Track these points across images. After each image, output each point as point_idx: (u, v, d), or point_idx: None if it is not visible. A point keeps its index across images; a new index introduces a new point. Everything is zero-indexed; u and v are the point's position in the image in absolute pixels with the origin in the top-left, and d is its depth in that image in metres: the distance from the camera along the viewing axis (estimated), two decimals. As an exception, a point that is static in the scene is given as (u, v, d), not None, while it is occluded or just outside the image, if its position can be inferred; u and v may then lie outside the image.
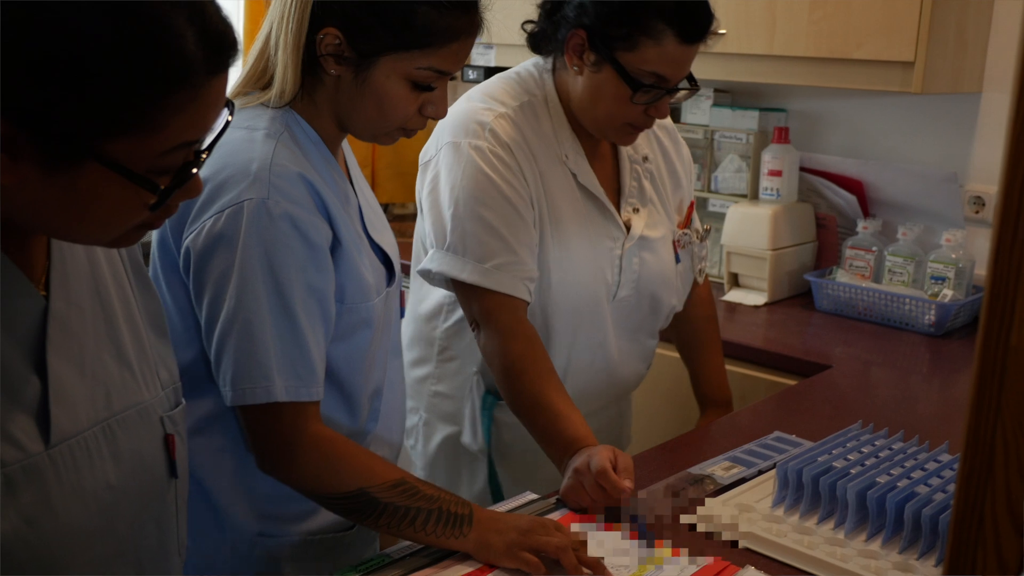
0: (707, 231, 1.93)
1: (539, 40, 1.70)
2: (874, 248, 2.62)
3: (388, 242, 1.47)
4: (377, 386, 1.45)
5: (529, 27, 1.71)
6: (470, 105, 1.68)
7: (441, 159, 1.64)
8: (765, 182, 2.70)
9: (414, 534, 1.29)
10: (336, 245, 1.32)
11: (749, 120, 2.81)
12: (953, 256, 2.48)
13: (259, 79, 1.33)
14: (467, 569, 1.27)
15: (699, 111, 2.90)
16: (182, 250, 1.29)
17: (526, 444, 1.63)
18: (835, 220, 2.79)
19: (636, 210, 1.77)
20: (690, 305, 1.99)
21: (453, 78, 1.37)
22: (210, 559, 1.39)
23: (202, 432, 1.35)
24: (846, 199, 2.74)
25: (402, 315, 1.56)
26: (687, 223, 1.88)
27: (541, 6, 1.69)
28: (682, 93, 1.67)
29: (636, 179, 1.78)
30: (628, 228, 1.76)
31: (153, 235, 1.38)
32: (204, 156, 0.89)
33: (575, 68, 1.63)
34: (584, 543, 1.29)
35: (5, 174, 0.80)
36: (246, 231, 1.23)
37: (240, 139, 1.28)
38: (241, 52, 0.88)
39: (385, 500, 1.27)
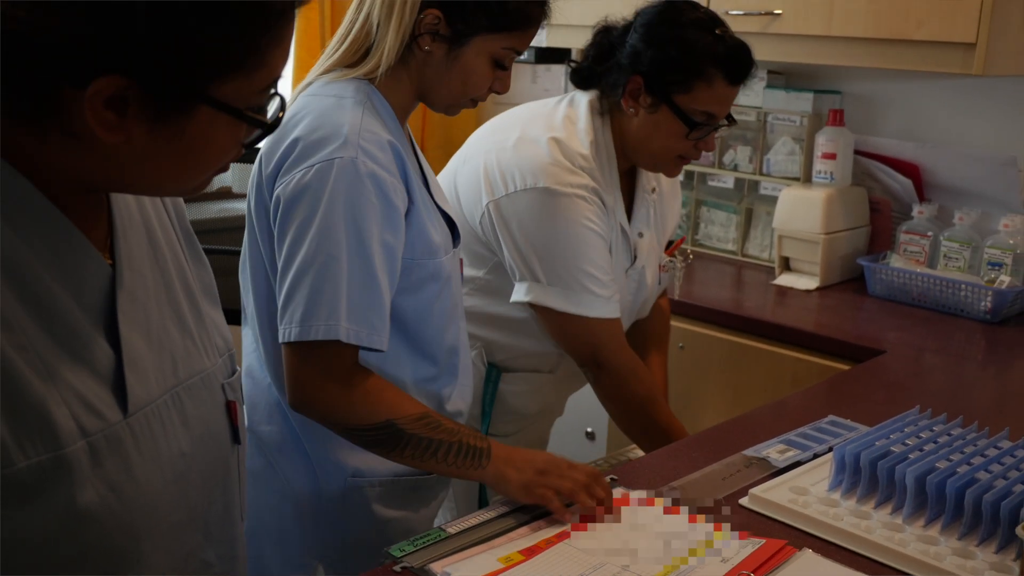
0: (689, 257, 2.13)
1: (585, 78, 1.85)
2: (929, 233, 2.58)
3: (450, 209, 1.57)
4: (453, 343, 1.54)
5: (575, 65, 1.87)
6: (555, 151, 1.77)
7: (540, 200, 1.74)
8: (819, 165, 2.67)
9: (436, 465, 1.38)
10: (410, 206, 1.43)
11: (803, 102, 2.78)
12: (1011, 242, 2.44)
13: (354, 58, 1.45)
14: (518, 546, 1.27)
15: (752, 93, 2.87)
16: (272, 199, 1.40)
17: (521, 409, 1.94)
18: (889, 204, 2.75)
19: (641, 235, 1.92)
20: (654, 310, 2.09)
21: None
22: (305, 504, 1.51)
23: None
24: (901, 183, 2.70)
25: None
26: (673, 252, 2.06)
27: (588, 50, 1.85)
28: (723, 128, 1.85)
29: (645, 207, 1.93)
30: (635, 256, 1.91)
31: (250, 191, 1.46)
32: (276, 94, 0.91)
33: (631, 110, 1.78)
34: (598, 477, 1.38)
35: (113, 133, 0.81)
36: (333, 185, 1.34)
37: (330, 105, 1.40)
38: None
39: (410, 432, 1.36)
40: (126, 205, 0.97)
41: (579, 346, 1.83)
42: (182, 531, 0.97)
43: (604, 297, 1.78)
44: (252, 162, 1.48)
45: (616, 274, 1.85)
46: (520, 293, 1.79)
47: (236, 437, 1.06)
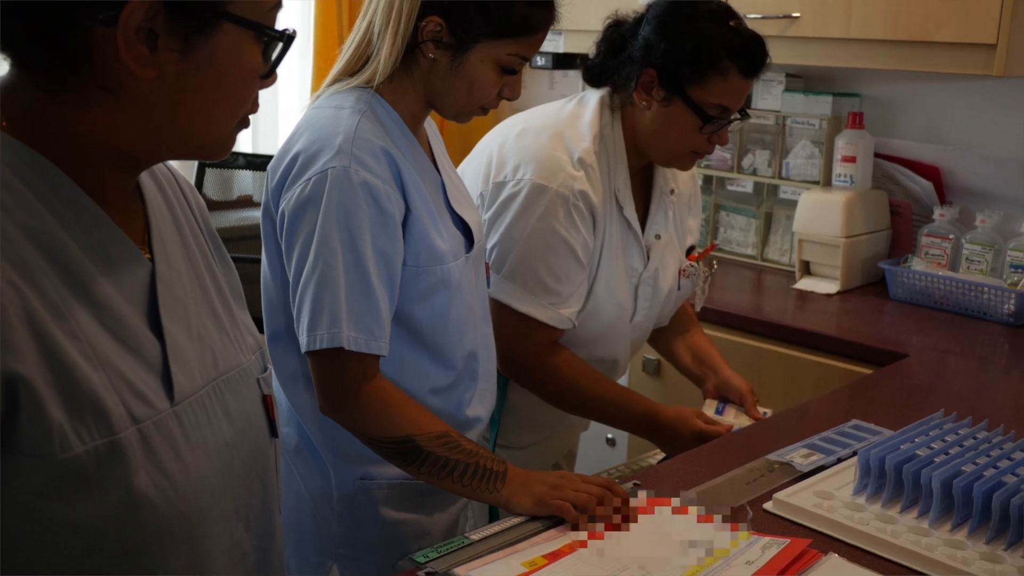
0: (714, 267, 2.09)
1: (597, 74, 1.83)
2: (951, 236, 2.56)
3: (470, 215, 1.56)
4: (472, 348, 1.54)
5: (587, 62, 1.84)
6: (556, 145, 1.76)
7: (524, 193, 1.73)
8: (838, 168, 2.66)
9: (452, 485, 1.39)
10: (408, 214, 1.43)
11: (822, 105, 2.77)
12: (1034, 244, 2.42)
13: (356, 66, 1.46)
14: (541, 551, 1.27)
15: (770, 96, 2.86)
16: (278, 215, 1.42)
17: (535, 419, 1.91)
18: (910, 207, 2.74)
19: (658, 236, 1.90)
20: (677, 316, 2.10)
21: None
22: (319, 505, 1.54)
23: (306, 388, 1.48)
24: (922, 186, 2.69)
25: (488, 285, 1.67)
26: (700, 258, 2.02)
27: (600, 44, 1.83)
28: (736, 122, 1.83)
29: (663, 208, 1.91)
30: (648, 257, 1.88)
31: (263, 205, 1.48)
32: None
33: (644, 103, 1.76)
34: (613, 487, 1.37)
35: (146, 68, 0.84)
36: (328, 195, 1.36)
37: (329, 116, 1.42)
38: None
39: (428, 449, 1.38)
40: (158, 205, 1.00)
41: (501, 342, 1.70)
42: (230, 520, 1.00)
43: (539, 300, 1.73)
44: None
45: (617, 277, 1.83)
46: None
47: (273, 431, 1.09)
